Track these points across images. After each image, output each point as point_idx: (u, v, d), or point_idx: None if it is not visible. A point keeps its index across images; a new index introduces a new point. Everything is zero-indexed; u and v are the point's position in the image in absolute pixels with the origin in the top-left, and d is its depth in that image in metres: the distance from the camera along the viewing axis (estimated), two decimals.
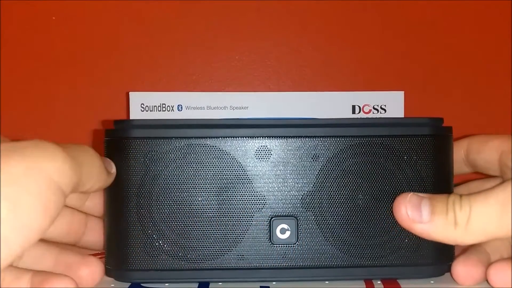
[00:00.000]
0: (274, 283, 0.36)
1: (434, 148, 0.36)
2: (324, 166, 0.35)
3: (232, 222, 0.35)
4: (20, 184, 0.24)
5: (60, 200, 0.26)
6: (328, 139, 0.35)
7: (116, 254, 0.36)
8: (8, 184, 0.24)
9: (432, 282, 0.36)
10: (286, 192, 0.35)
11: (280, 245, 0.36)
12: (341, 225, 0.36)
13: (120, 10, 0.70)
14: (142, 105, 0.57)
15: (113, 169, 0.34)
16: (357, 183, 0.35)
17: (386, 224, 0.36)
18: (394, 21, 0.71)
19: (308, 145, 0.35)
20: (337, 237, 0.36)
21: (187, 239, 0.35)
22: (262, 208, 0.35)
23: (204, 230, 0.35)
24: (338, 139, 0.35)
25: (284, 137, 0.35)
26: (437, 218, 0.32)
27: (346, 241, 0.36)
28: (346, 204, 0.35)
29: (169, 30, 0.70)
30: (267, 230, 0.35)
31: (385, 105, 0.58)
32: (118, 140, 0.36)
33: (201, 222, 0.35)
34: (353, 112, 0.58)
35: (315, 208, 0.36)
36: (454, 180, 0.38)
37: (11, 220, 0.23)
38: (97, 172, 0.30)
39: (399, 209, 0.33)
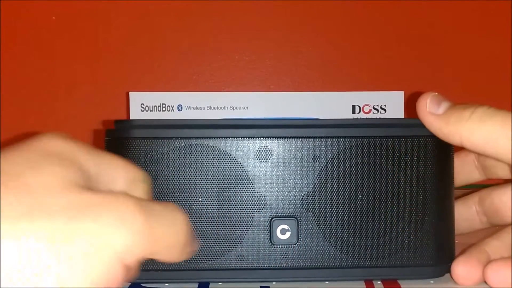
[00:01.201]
0: (274, 283, 0.36)
1: (435, 148, 0.36)
2: (324, 167, 0.35)
3: (232, 223, 0.35)
4: (81, 268, 0.19)
5: (122, 276, 0.21)
6: (329, 139, 0.35)
7: None
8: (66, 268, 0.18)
9: (432, 282, 0.36)
10: (287, 193, 0.35)
11: (281, 246, 0.36)
12: (342, 225, 0.35)
13: (120, 10, 0.70)
14: (142, 105, 0.57)
15: (195, 246, 0.27)
16: (358, 183, 0.35)
17: (386, 225, 0.36)
18: (394, 21, 0.71)
19: (308, 146, 0.35)
20: (337, 238, 0.35)
21: None
22: (262, 209, 0.35)
23: (204, 230, 0.35)
24: (338, 139, 0.35)
25: (285, 137, 0.35)
26: (451, 111, 0.33)
27: (347, 242, 0.36)
28: (346, 204, 0.35)
29: (169, 30, 0.70)
30: (267, 230, 0.35)
31: (385, 105, 0.58)
32: (118, 140, 0.36)
33: (202, 222, 0.35)
34: (353, 112, 0.58)
35: (315, 208, 0.35)
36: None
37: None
38: (176, 251, 0.24)
39: (422, 99, 0.35)
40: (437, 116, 0.34)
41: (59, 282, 0.18)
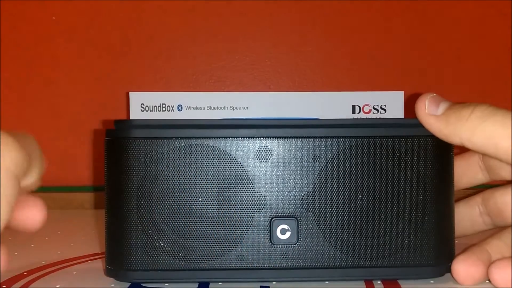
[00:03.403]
0: (274, 283, 0.36)
1: (435, 148, 0.36)
2: (324, 167, 0.35)
3: (232, 222, 0.35)
4: None
5: (17, 188, 0.27)
6: (329, 139, 0.35)
7: (117, 254, 0.36)
8: None
9: (432, 282, 0.36)
10: (287, 193, 0.35)
11: (281, 246, 0.36)
12: (342, 225, 0.35)
13: (120, 10, 0.70)
14: (142, 105, 0.57)
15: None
16: (358, 183, 0.35)
17: (386, 225, 0.36)
18: (394, 21, 0.71)
19: (308, 146, 0.35)
20: (337, 238, 0.35)
21: (187, 239, 0.35)
22: (262, 209, 0.35)
23: (204, 230, 0.35)
24: (339, 139, 0.35)
25: (285, 137, 0.35)
26: (450, 112, 0.33)
27: (347, 242, 0.36)
28: (346, 204, 0.35)
29: (169, 30, 0.70)
30: (267, 230, 0.35)
31: (385, 105, 0.58)
32: (118, 140, 0.36)
33: (202, 222, 0.35)
34: (353, 112, 0.58)
35: (315, 208, 0.35)
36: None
37: None
38: (40, 161, 0.30)
39: (420, 100, 0.34)
40: (436, 117, 0.34)
41: None
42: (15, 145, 0.27)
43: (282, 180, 0.35)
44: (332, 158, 0.35)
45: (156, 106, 0.57)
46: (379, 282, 0.36)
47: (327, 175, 0.35)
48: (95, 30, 0.69)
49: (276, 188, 0.35)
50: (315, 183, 0.35)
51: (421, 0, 0.70)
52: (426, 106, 0.34)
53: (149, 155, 0.35)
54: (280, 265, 0.36)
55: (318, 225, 0.36)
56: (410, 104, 0.59)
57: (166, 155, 0.35)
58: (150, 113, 0.57)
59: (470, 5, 0.70)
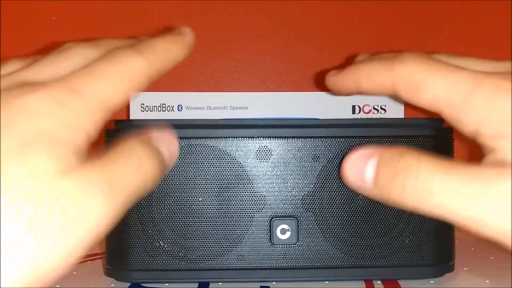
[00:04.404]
0: (274, 283, 0.36)
1: (435, 148, 0.36)
2: (324, 167, 0.35)
3: (232, 222, 0.35)
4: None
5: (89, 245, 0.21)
6: (329, 139, 0.35)
7: (117, 254, 0.36)
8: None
9: (432, 282, 0.36)
10: (287, 193, 0.35)
11: (281, 246, 0.36)
12: (342, 225, 0.35)
13: (120, 10, 0.70)
14: (142, 105, 0.57)
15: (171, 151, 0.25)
16: None
17: (386, 225, 0.36)
18: (394, 21, 0.71)
19: (308, 146, 0.35)
20: (337, 238, 0.35)
21: (187, 239, 0.35)
22: (262, 209, 0.35)
23: (204, 230, 0.35)
24: (338, 139, 0.35)
25: (285, 137, 0.35)
26: (381, 184, 0.24)
27: (347, 242, 0.36)
28: (346, 204, 0.35)
29: (169, 29, 0.70)
30: (267, 230, 0.35)
31: (385, 105, 0.58)
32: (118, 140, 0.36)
33: (202, 222, 0.35)
34: (353, 112, 0.58)
35: (315, 208, 0.36)
36: None
37: None
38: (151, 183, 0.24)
39: (344, 169, 0.25)
40: (368, 188, 0.24)
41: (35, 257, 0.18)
42: (105, 215, 0.20)
43: (282, 180, 0.35)
44: (332, 158, 0.35)
45: (156, 106, 0.57)
46: (379, 282, 0.36)
47: (327, 175, 0.35)
48: (95, 30, 0.69)
49: (276, 188, 0.35)
50: (315, 183, 0.35)
51: (421, 0, 0.70)
52: (351, 177, 0.25)
53: None
54: (280, 265, 0.36)
55: (318, 225, 0.36)
56: (410, 104, 0.59)
57: None
58: (150, 113, 0.57)
59: (470, 5, 0.70)
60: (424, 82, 0.25)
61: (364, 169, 0.24)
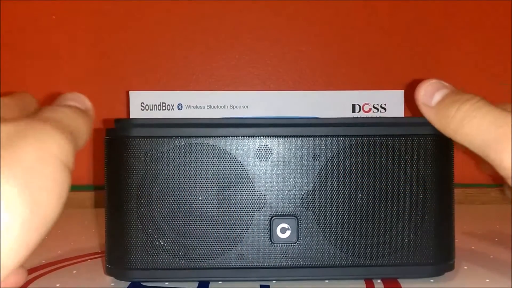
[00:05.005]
0: (274, 282, 0.36)
1: (435, 147, 0.36)
2: (324, 166, 0.35)
3: (232, 221, 0.35)
4: (37, 176, 0.22)
5: (70, 180, 0.24)
6: (329, 138, 0.35)
7: (117, 253, 0.36)
8: (25, 177, 0.21)
9: (432, 281, 0.36)
10: (287, 192, 0.35)
11: (281, 245, 0.36)
12: (342, 224, 0.35)
13: (120, 9, 0.70)
14: (142, 104, 0.57)
15: (86, 106, 0.30)
16: (358, 182, 0.35)
17: (386, 223, 0.36)
18: (394, 21, 0.71)
19: (308, 145, 0.35)
20: (337, 237, 0.36)
21: (187, 238, 0.35)
22: (262, 207, 0.35)
23: (204, 229, 0.35)
24: (338, 138, 0.35)
25: (285, 136, 0.35)
26: (440, 106, 0.32)
27: (347, 241, 0.36)
28: (346, 203, 0.35)
29: (169, 29, 0.70)
30: (267, 229, 0.35)
31: (385, 104, 0.58)
32: (118, 139, 0.36)
33: (202, 221, 0.35)
34: (353, 111, 0.58)
35: (315, 207, 0.36)
36: None
37: (32, 220, 0.22)
38: (87, 130, 0.28)
39: (419, 87, 0.34)
40: (429, 109, 0.33)
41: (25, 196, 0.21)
42: (63, 136, 0.24)
43: (282, 179, 0.35)
44: (332, 157, 0.35)
45: (156, 105, 0.57)
46: (379, 281, 0.36)
47: (327, 174, 0.35)
48: (95, 29, 0.69)
49: (276, 187, 0.35)
50: (315, 182, 0.35)
51: (421, 0, 0.70)
52: (422, 95, 0.33)
53: (149, 154, 0.35)
54: (280, 264, 0.36)
55: (318, 224, 0.36)
56: (410, 103, 0.59)
57: (166, 154, 0.35)
58: (150, 112, 0.57)
59: (470, 5, 0.70)
60: None
61: (435, 92, 0.33)
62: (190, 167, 0.35)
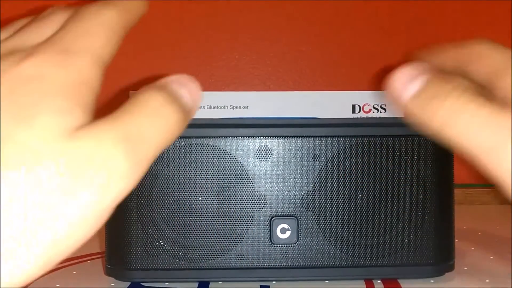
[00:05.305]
0: (274, 282, 0.36)
1: (435, 148, 0.36)
2: (324, 166, 0.35)
3: (232, 222, 0.35)
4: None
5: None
6: (329, 139, 0.35)
7: (117, 254, 0.36)
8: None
9: (432, 281, 0.36)
10: (287, 192, 0.35)
11: (281, 245, 0.36)
12: (342, 225, 0.35)
13: None
14: None
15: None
16: (358, 183, 0.35)
17: (386, 224, 0.36)
18: (394, 21, 0.71)
19: (308, 145, 0.35)
20: (337, 237, 0.35)
21: (187, 239, 0.35)
22: (262, 208, 0.35)
23: (204, 230, 0.35)
24: (338, 139, 0.35)
25: (285, 136, 0.35)
26: (417, 103, 0.25)
27: (347, 241, 0.36)
28: (346, 204, 0.35)
29: (169, 29, 0.70)
30: (267, 229, 0.35)
31: (385, 105, 0.58)
32: None
33: (202, 221, 0.35)
34: (353, 111, 0.58)
35: (315, 208, 0.35)
36: None
37: None
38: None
39: (390, 79, 0.26)
40: (404, 105, 0.25)
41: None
42: (127, 171, 0.19)
43: (282, 180, 0.35)
44: (332, 157, 0.35)
45: None
46: (379, 281, 0.36)
47: (327, 174, 0.35)
48: None
49: (276, 188, 0.35)
50: (315, 182, 0.35)
51: (421, 0, 0.70)
52: (394, 87, 0.26)
53: None
54: (280, 264, 0.36)
55: (318, 224, 0.36)
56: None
57: (166, 154, 0.35)
58: None
59: (470, 5, 0.70)
60: (483, 52, 0.26)
61: (409, 84, 0.25)
62: (190, 168, 0.35)
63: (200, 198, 0.35)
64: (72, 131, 0.18)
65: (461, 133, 0.23)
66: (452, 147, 0.24)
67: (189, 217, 0.35)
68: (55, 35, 0.21)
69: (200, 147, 0.35)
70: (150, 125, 0.20)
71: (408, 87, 0.25)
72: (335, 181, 0.35)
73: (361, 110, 0.57)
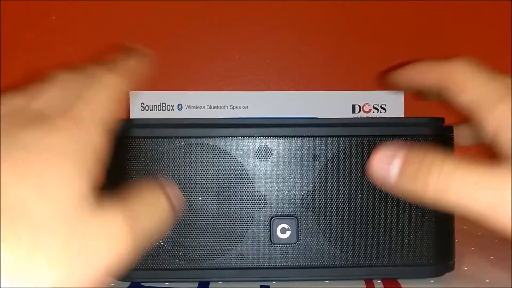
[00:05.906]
0: (274, 282, 0.36)
1: (435, 148, 0.36)
2: (324, 166, 0.35)
3: (232, 222, 0.35)
4: None
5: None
6: (329, 139, 0.35)
7: None
8: None
9: (432, 281, 0.36)
10: (287, 192, 0.35)
11: (281, 245, 0.36)
12: (342, 225, 0.35)
13: (119, 9, 0.70)
14: (142, 105, 0.57)
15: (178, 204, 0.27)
16: (358, 183, 0.35)
17: (386, 224, 0.36)
18: (394, 21, 0.71)
19: (308, 145, 0.35)
20: (337, 237, 0.35)
21: (187, 239, 0.35)
22: (262, 208, 0.35)
23: (204, 230, 0.35)
24: (338, 139, 0.35)
25: (285, 136, 0.35)
26: (403, 183, 0.25)
27: (347, 241, 0.36)
28: (346, 204, 0.35)
29: (169, 29, 0.70)
30: (267, 229, 0.35)
31: (385, 105, 0.58)
32: (118, 140, 0.36)
33: (202, 221, 0.35)
34: (353, 111, 0.58)
35: (315, 207, 0.35)
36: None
37: None
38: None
39: (370, 165, 0.26)
40: (392, 186, 0.26)
41: None
42: (126, 247, 0.22)
43: (282, 179, 0.35)
44: (332, 157, 0.35)
45: (156, 105, 0.57)
46: (379, 281, 0.36)
47: (327, 174, 0.35)
48: (95, 29, 0.69)
49: (276, 188, 0.35)
50: (315, 182, 0.35)
51: (421, 0, 0.70)
52: (376, 172, 0.26)
53: (149, 154, 0.35)
54: (280, 264, 0.36)
55: (318, 224, 0.36)
56: (410, 103, 0.59)
57: (166, 154, 0.35)
58: (150, 112, 0.57)
59: (470, 5, 0.70)
60: (464, 82, 0.27)
61: (390, 167, 0.26)
62: (190, 168, 0.35)
63: (200, 198, 0.35)
64: (82, 211, 0.20)
65: (456, 201, 0.24)
66: (453, 211, 0.26)
67: (189, 217, 0.35)
68: (62, 101, 0.23)
69: (200, 147, 0.35)
70: (148, 216, 0.24)
71: (390, 169, 0.26)
72: (335, 181, 0.35)
73: (361, 110, 0.57)
